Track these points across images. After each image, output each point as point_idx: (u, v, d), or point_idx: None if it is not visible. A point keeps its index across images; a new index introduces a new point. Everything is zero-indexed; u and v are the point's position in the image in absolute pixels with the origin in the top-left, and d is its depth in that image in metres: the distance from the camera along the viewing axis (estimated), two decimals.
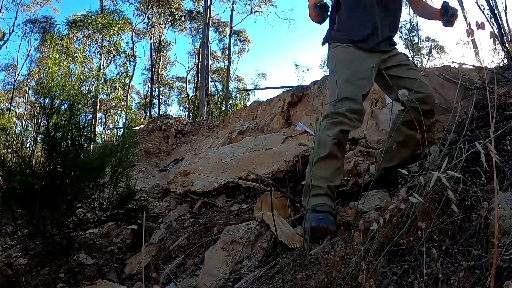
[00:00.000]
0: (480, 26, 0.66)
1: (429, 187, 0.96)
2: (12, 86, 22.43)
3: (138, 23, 21.63)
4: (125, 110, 22.59)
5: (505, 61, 3.02)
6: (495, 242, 0.55)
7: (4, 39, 18.91)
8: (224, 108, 22.77)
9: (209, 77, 21.19)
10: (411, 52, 23.15)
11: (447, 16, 1.75)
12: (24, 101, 23.53)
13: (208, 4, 18.26)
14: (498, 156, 0.66)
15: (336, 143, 1.69)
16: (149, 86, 23.81)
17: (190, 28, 23.08)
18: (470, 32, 0.63)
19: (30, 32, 21.38)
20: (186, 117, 22.31)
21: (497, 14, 8.47)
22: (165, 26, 22.35)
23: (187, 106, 27.68)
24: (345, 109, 1.71)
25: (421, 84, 1.78)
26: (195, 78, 24.60)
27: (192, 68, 27.01)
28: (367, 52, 1.85)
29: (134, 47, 21.15)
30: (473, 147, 1.78)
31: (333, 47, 1.94)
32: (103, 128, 25.46)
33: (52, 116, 2.12)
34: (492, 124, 0.67)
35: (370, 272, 0.95)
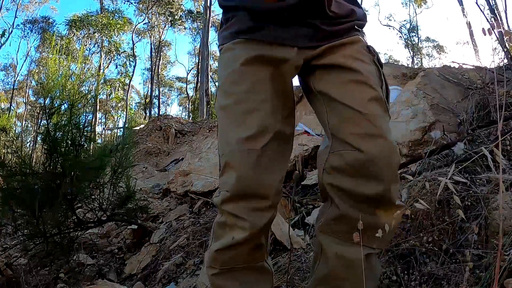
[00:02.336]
0: (495, 24, 0.65)
1: (433, 189, 0.96)
2: (12, 86, 22.44)
3: (138, 23, 21.65)
4: (125, 110, 22.60)
5: (505, 61, 3.02)
6: (500, 243, 0.55)
7: (5, 37, 18.92)
8: None
9: (209, 77, 21.20)
10: (411, 52, 23.16)
11: None
12: (24, 101, 23.53)
13: (208, 4, 18.26)
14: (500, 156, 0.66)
15: None
16: (149, 86, 23.84)
17: (190, 28, 23.09)
18: (487, 30, 0.61)
19: (30, 32, 21.39)
20: (186, 117, 22.30)
21: (497, 14, 8.48)
22: (165, 26, 22.36)
23: (187, 106, 27.68)
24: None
25: (367, 128, 0.78)
26: (195, 78, 24.61)
27: (192, 68, 27.03)
28: (269, 45, 0.84)
29: (134, 47, 21.18)
30: (473, 147, 1.78)
31: (220, 55, 0.96)
32: (103, 128, 25.46)
33: (52, 116, 2.12)
34: (500, 123, 0.67)
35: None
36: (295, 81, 0.94)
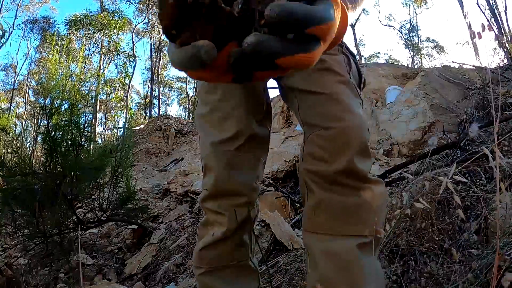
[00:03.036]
0: (487, 28, 0.65)
1: (435, 190, 0.96)
2: (12, 86, 22.44)
3: (138, 23, 21.65)
4: (125, 110, 22.60)
5: (505, 61, 3.03)
6: (498, 243, 0.55)
7: (5, 37, 18.92)
8: None
9: None
10: (411, 52, 23.16)
11: None
12: (24, 101, 23.52)
13: None
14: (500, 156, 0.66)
15: None
16: (149, 86, 23.83)
17: None
18: (477, 34, 0.62)
19: (30, 32, 21.40)
20: (186, 117, 22.30)
21: (497, 14, 8.48)
22: None
23: (187, 106, 27.68)
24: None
25: (332, 106, 0.76)
26: None
27: None
28: None
29: (134, 47, 21.17)
30: (473, 147, 1.78)
31: None
32: (103, 128, 25.46)
33: (52, 116, 2.12)
34: (496, 125, 0.67)
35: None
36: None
